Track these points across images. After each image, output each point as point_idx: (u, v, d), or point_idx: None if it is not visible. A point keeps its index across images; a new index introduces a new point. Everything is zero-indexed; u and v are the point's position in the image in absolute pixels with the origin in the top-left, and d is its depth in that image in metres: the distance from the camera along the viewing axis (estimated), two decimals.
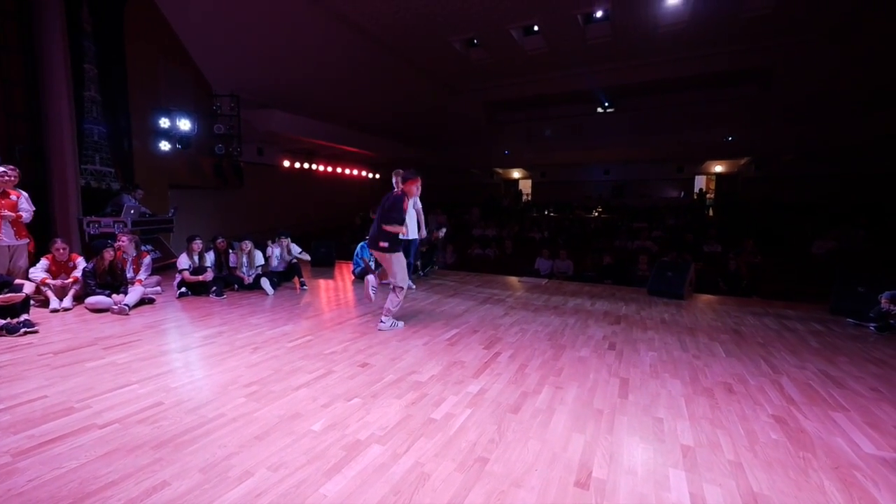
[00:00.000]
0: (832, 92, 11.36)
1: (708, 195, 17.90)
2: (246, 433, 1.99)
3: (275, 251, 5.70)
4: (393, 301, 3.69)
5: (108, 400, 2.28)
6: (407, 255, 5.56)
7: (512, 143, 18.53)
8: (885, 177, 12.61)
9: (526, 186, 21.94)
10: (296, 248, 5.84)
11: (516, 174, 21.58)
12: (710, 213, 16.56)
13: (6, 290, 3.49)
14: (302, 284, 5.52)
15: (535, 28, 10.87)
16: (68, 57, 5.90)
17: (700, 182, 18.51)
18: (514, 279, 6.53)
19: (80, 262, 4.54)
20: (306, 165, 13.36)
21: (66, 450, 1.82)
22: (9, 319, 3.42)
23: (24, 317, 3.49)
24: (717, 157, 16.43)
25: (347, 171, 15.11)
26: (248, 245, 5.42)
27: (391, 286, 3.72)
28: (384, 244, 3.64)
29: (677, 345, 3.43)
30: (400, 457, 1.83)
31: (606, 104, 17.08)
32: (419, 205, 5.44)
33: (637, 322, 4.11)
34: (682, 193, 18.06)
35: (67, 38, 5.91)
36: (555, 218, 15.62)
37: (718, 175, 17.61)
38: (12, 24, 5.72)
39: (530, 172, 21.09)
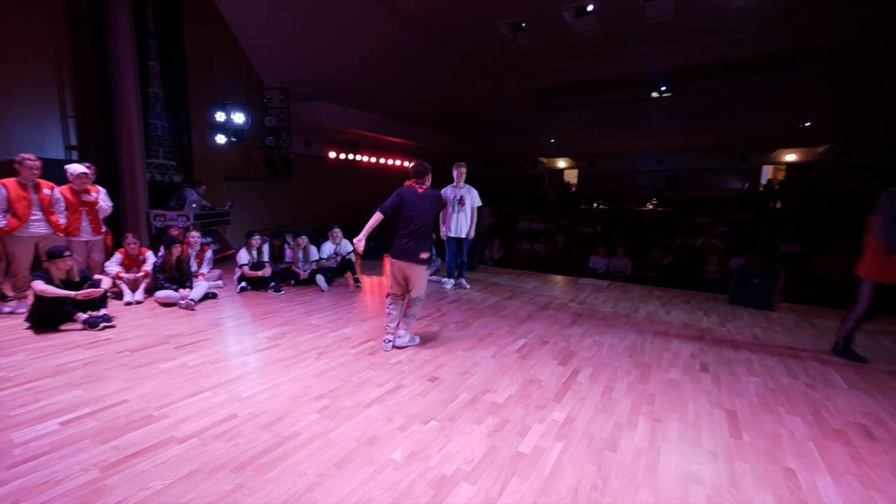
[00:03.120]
0: None
1: (776, 186, 16.38)
2: (325, 458, 1.86)
3: (328, 247, 5.67)
4: (416, 315, 3.26)
5: (183, 409, 2.24)
6: (460, 253, 5.36)
7: (558, 131, 17.75)
8: None
9: (571, 176, 21.06)
10: (347, 245, 5.79)
11: (562, 164, 20.75)
12: (778, 205, 15.17)
13: (87, 285, 3.62)
14: (356, 281, 5.47)
15: (590, 8, 10.17)
16: (136, 56, 6.07)
17: (767, 172, 16.96)
18: (572, 279, 6.17)
19: (150, 257, 4.69)
20: (350, 156, 13.42)
21: (150, 466, 1.77)
22: (90, 313, 3.54)
23: (102, 311, 3.61)
24: (791, 144, 14.91)
25: (391, 162, 15.06)
26: (304, 241, 5.41)
27: (412, 298, 3.20)
28: (425, 255, 3.12)
29: (782, 369, 3.01)
30: (495, 501, 1.63)
31: (663, 88, 15.90)
32: (477, 201, 5.20)
33: (725, 338, 3.69)
34: (747, 184, 16.63)
35: (135, 37, 6.08)
36: (605, 211, 14.86)
37: (790, 165, 16.03)
38: (87, 25, 5.95)
39: (576, 162, 20.20)
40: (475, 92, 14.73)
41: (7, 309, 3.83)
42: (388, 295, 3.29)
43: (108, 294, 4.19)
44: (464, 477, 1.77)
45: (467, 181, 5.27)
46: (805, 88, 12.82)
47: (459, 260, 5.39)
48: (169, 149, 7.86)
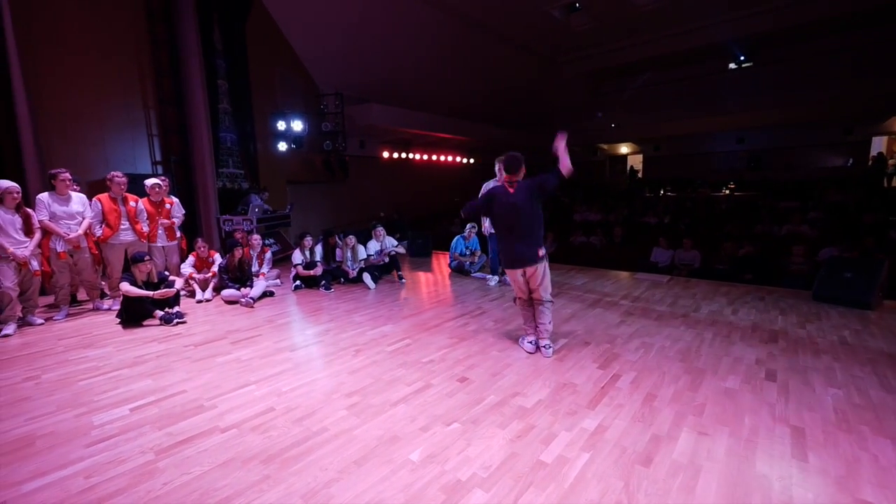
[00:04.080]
0: None
1: (891, 161, 13.92)
2: (346, 455, 1.93)
3: (375, 245, 5.86)
4: (549, 318, 3.02)
5: (230, 400, 2.45)
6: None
7: (619, 115, 16.67)
8: None
9: (635, 162, 19.68)
10: (391, 241, 5.94)
11: (624, 149, 19.49)
12: (894, 183, 12.90)
13: (162, 286, 4.09)
14: (400, 278, 5.60)
15: None
16: (204, 76, 6.70)
17: (879, 144, 14.47)
18: (627, 275, 5.78)
19: (217, 258, 5.18)
20: (404, 155, 13.71)
21: (194, 453, 1.96)
22: (166, 310, 4.00)
23: (176, 308, 4.07)
24: None
25: (443, 158, 15.16)
26: (352, 240, 5.64)
27: (543, 301, 3.00)
28: (542, 251, 2.91)
29: (874, 380, 2.56)
30: None
31: (742, 58, 14.21)
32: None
33: (803, 341, 3.23)
34: (851, 161, 14.35)
35: (203, 59, 6.70)
36: (673, 198, 13.69)
37: None
38: (165, 50, 6.68)
39: (641, 146, 18.83)
40: (528, 80, 14.30)
41: (105, 306, 4.46)
42: (514, 300, 3.22)
43: (183, 293, 4.71)
44: (478, 483, 1.73)
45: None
46: None
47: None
48: (237, 158, 8.59)
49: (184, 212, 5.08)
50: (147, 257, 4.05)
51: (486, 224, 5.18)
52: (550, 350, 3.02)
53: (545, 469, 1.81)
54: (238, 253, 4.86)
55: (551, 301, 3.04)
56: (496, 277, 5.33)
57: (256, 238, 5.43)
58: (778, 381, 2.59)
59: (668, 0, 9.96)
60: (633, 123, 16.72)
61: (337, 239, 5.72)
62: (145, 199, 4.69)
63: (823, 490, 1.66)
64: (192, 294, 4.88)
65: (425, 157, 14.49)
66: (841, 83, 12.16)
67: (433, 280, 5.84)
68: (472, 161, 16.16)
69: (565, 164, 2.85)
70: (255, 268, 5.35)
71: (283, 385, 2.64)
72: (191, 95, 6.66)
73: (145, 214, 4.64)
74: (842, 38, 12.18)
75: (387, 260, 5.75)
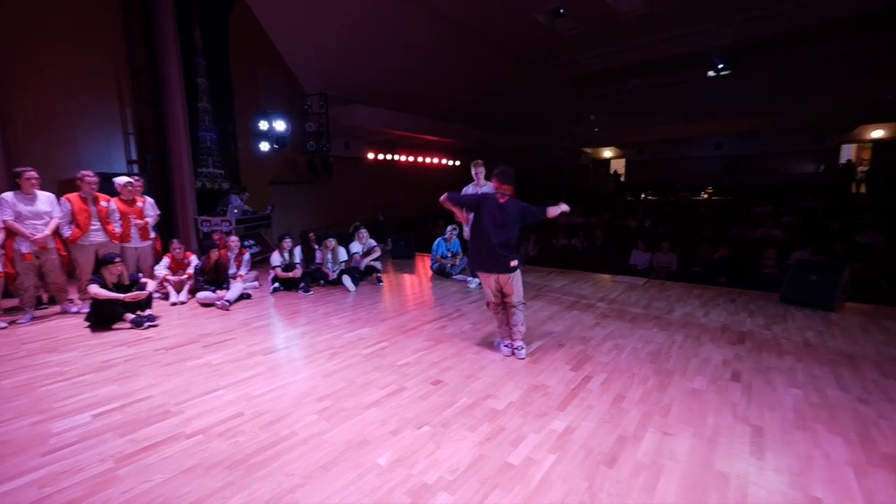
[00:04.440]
0: None
1: (859, 168, 14.46)
2: (313, 460, 1.91)
3: (356, 246, 5.83)
4: (522, 320, 3.07)
5: (198, 405, 2.40)
6: None
7: (603, 119, 16.93)
8: None
9: (619, 166, 20.01)
10: (370, 242, 5.91)
11: (607, 153, 19.80)
12: (862, 189, 13.40)
13: (134, 288, 3.99)
14: (378, 280, 5.58)
15: None
16: (183, 74, 6.58)
17: (848, 152, 15.03)
18: (606, 277, 5.87)
19: (193, 260, 5.08)
20: (389, 157, 13.68)
21: (157, 460, 1.92)
22: (137, 313, 3.91)
23: (148, 311, 3.98)
24: (877, 119, 13.12)
25: (429, 160, 15.17)
26: (332, 242, 5.61)
27: (515, 305, 3.05)
28: (515, 262, 2.97)
29: (832, 380, 2.66)
30: None
31: (720, 66, 14.56)
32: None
33: (768, 342, 3.33)
34: (823, 167, 14.86)
35: (181, 57, 6.58)
36: (654, 202, 13.96)
37: (877, 142, 14.10)
38: (142, 48, 6.54)
39: (623, 150, 19.15)
40: (514, 84, 14.40)
41: (74, 309, 4.33)
42: (487, 304, 3.22)
43: (157, 295, 4.61)
44: (445, 486, 1.74)
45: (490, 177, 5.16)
46: (892, 54, 11.18)
47: None
48: (218, 158, 8.45)
49: (158, 212, 4.97)
50: (118, 259, 3.95)
51: (466, 228, 5.19)
52: (524, 351, 3.05)
53: (512, 471, 1.83)
54: (214, 254, 4.78)
55: (524, 303, 3.09)
56: (477, 280, 5.35)
57: (234, 239, 5.35)
58: (742, 381, 2.67)
59: (650, 9, 10.18)
60: (616, 128, 17.01)
61: (313, 243, 5.65)
62: (117, 198, 4.57)
63: (777, 488, 1.72)
64: (166, 296, 4.77)
65: (411, 158, 14.50)
66: (813, 92, 12.59)
67: (414, 282, 5.84)
68: (457, 163, 16.22)
69: (553, 212, 3.03)
70: (232, 270, 5.27)
71: (254, 389, 2.60)
72: (169, 94, 6.54)
73: (117, 215, 4.53)
74: (814, 50, 12.60)
75: (362, 268, 5.70)
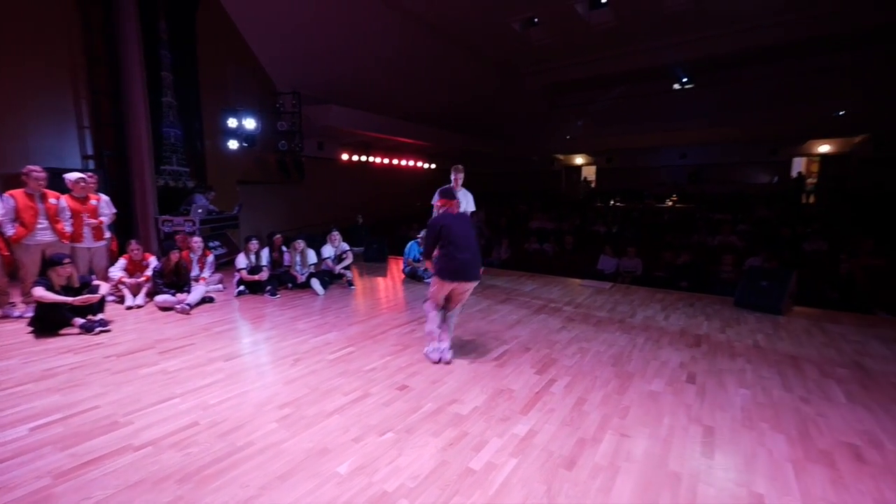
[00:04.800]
0: None
1: (809, 180, 15.45)
2: (271, 470, 1.86)
3: (329, 250, 5.73)
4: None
5: (149, 415, 2.29)
6: None
7: (575, 128, 17.39)
8: None
9: (590, 173, 20.58)
10: (343, 246, 5.84)
11: (579, 160, 20.31)
12: (811, 199, 14.31)
13: (85, 291, 3.77)
14: (349, 283, 5.50)
15: (604, 0, 9.88)
16: (144, 66, 6.30)
17: (799, 164, 16.03)
18: (574, 282, 6.01)
19: (152, 262, 4.85)
20: (363, 158, 13.54)
21: (100, 475, 1.81)
22: (88, 318, 3.69)
23: (100, 316, 3.76)
24: (824, 135, 14.06)
25: (404, 163, 15.11)
26: (300, 244, 5.49)
27: (454, 311, 3.18)
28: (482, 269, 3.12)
29: (777, 381, 2.81)
30: None
31: (685, 80, 15.26)
32: (472, 206, 5.12)
33: (722, 345, 3.49)
34: (776, 178, 15.78)
35: (143, 48, 6.30)
36: (622, 208, 14.42)
37: (824, 156, 15.11)
38: (100, 38, 6.22)
39: (594, 158, 19.71)
40: (489, 90, 14.59)
41: (16, 313, 4.05)
42: (428, 303, 3.18)
43: (111, 298, 4.38)
44: (405, 494, 1.72)
45: (478, 181, 5.21)
46: (839, 75, 12.06)
47: None
48: (182, 155, 8.12)
49: (114, 210, 4.73)
50: (67, 259, 3.73)
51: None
52: (450, 354, 3.08)
53: (473, 476, 1.84)
54: (175, 256, 4.58)
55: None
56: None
57: (197, 240, 5.15)
58: (697, 382, 2.78)
59: (619, 23, 10.55)
60: (587, 136, 17.48)
61: (280, 245, 5.52)
62: (68, 195, 4.31)
63: (724, 485, 1.80)
64: (121, 300, 4.53)
65: (386, 160, 14.39)
66: (768, 107, 13.36)
67: (386, 286, 5.79)
68: (433, 166, 16.23)
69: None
70: (195, 272, 5.06)
71: (212, 397, 2.50)
72: (129, 86, 6.24)
73: (68, 213, 4.27)
74: (769, 68, 13.41)
75: (336, 272, 5.62)
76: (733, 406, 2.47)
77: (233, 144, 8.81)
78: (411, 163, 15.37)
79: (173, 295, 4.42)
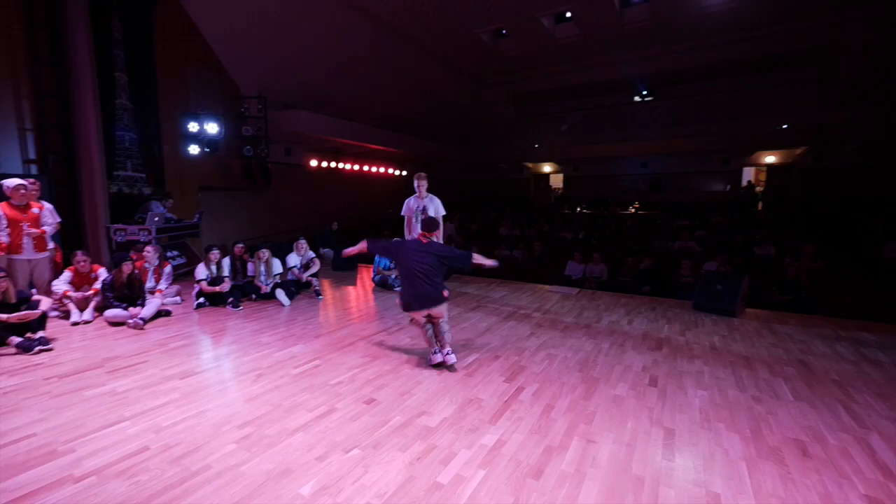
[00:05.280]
0: None
1: (757, 188, 16.52)
2: (228, 495, 1.76)
3: (295, 258, 5.58)
4: (448, 328, 3.23)
5: (94, 442, 2.13)
6: None
7: (543, 136, 17.81)
8: None
9: (557, 181, 21.14)
10: (309, 254, 5.70)
11: (547, 168, 20.80)
12: (760, 206, 15.28)
13: (24, 307, 3.49)
14: (317, 293, 5.37)
15: (568, 15, 10.24)
16: (94, 66, 5.96)
17: (748, 174, 17.12)
18: (543, 288, 6.11)
19: (102, 273, 4.55)
20: (333, 164, 13.34)
21: None
22: (27, 335, 3.41)
23: (40, 334, 3.48)
24: (770, 146, 15.06)
25: (375, 170, 14.99)
26: (265, 254, 5.31)
27: (439, 323, 3.18)
28: (447, 293, 3.13)
29: (732, 381, 2.95)
30: None
31: (644, 93, 16.02)
32: (441, 210, 5.13)
33: (682, 348, 3.63)
34: (729, 186, 16.77)
35: (94, 47, 5.97)
36: (588, 215, 14.88)
37: (770, 166, 16.19)
38: (44, 35, 5.84)
39: (562, 166, 20.27)
40: (459, 98, 14.74)
41: None
42: (413, 323, 3.38)
43: (54, 314, 4.08)
44: None
45: (450, 189, 5.23)
46: (782, 91, 12.97)
47: None
48: (138, 160, 7.74)
49: (59, 219, 4.42)
50: (2, 273, 3.43)
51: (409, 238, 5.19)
52: (454, 356, 3.12)
53: (440, 491, 1.81)
54: (127, 267, 4.31)
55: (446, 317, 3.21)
56: None
57: (150, 250, 4.87)
58: (658, 385, 2.88)
59: (583, 36, 10.95)
60: (555, 144, 17.96)
61: (242, 254, 5.32)
62: (5, 203, 3.99)
63: (683, 486, 1.86)
64: (66, 315, 4.22)
65: (356, 167, 14.23)
66: (720, 120, 14.19)
67: (355, 295, 5.68)
68: (404, 173, 16.19)
69: (478, 260, 3.26)
70: (150, 284, 4.79)
71: (165, 419, 2.36)
72: (77, 86, 5.88)
73: (5, 222, 3.96)
74: (721, 83, 14.29)
75: (303, 281, 5.48)
76: (692, 407, 2.57)
77: (194, 149, 8.45)
78: (382, 169, 15.27)
79: (125, 309, 4.16)
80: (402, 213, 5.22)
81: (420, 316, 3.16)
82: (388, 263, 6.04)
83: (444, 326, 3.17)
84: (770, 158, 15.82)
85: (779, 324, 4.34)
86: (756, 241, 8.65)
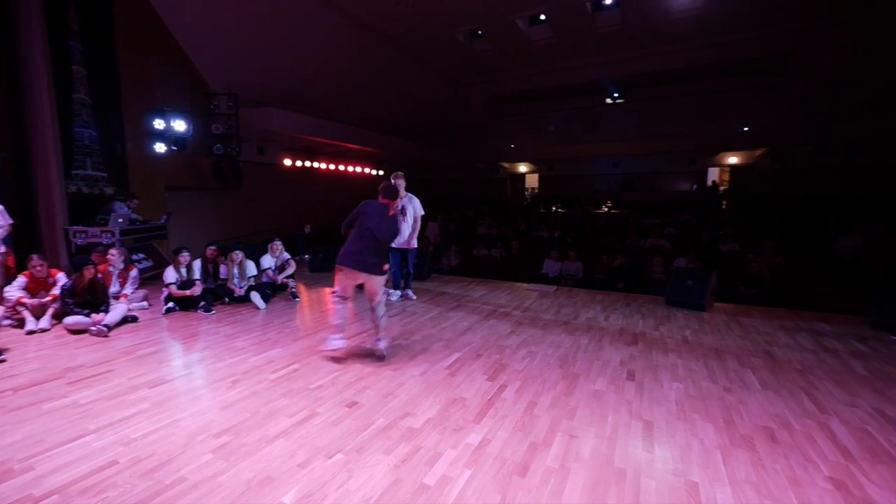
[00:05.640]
0: (853, 80, 10.72)
1: (721, 187, 17.28)
2: None
3: (269, 260, 5.42)
4: (385, 311, 3.32)
5: (56, 458, 2.00)
6: (406, 264, 5.25)
7: (518, 137, 18.02)
8: None
9: (533, 181, 21.46)
10: (284, 255, 5.57)
11: (523, 168, 21.09)
12: (724, 205, 15.99)
13: None
14: (293, 296, 5.24)
15: (542, 17, 10.40)
16: (49, 58, 5.61)
17: (713, 174, 17.89)
18: (521, 286, 6.18)
19: (61, 278, 4.29)
20: (308, 164, 13.07)
21: None
22: None
23: None
24: (732, 148, 15.80)
25: (351, 169, 14.78)
26: (238, 256, 5.14)
27: (376, 305, 3.26)
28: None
29: (704, 373, 3.07)
30: None
31: (616, 95, 16.46)
32: (420, 210, 5.10)
33: (656, 341, 3.75)
34: (695, 186, 17.47)
35: (48, 38, 5.61)
36: (562, 214, 15.16)
37: (733, 167, 16.98)
38: None
39: (537, 166, 20.59)
40: (435, 98, 14.71)
41: None
42: (334, 294, 3.31)
43: (6, 322, 3.82)
44: None
45: (427, 189, 5.18)
46: (743, 96, 13.60)
47: (405, 270, 5.27)
48: (99, 159, 7.36)
49: (11, 221, 4.15)
50: None
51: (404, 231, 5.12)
52: (382, 344, 3.25)
53: (427, 493, 1.80)
54: (88, 272, 4.08)
55: (383, 300, 3.28)
56: (398, 292, 5.29)
57: (115, 253, 4.63)
58: (636, 379, 2.96)
59: (557, 39, 11.14)
60: (530, 145, 18.21)
61: (214, 257, 5.14)
62: None
63: (663, 477, 1.91)
64: (21, 324, 3.95)
65: (331, 166, 13.99)
66: (687, 122, 14.76)
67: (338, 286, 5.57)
68: (380, 173, 16.03)
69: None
70: (114, 288, 4.56)
71: (134, 431, 2.24)
72: (30, 79, 5.51)
73: None
74: (688, 86, 14.86)
75: (278, 283, 5.34)
76: (668, 400, 2.65)
77: (160, 148, 8.10)
78: (358, 169, 15.08)
79: (87, 316, 3.93)
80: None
81: (350, 286, 3.21)
82: None
83: (381, 310, 3.25)
84: (733, 159, 16.59)
85: (745, 317, 4.55)
86: (721, 238, 9.04)
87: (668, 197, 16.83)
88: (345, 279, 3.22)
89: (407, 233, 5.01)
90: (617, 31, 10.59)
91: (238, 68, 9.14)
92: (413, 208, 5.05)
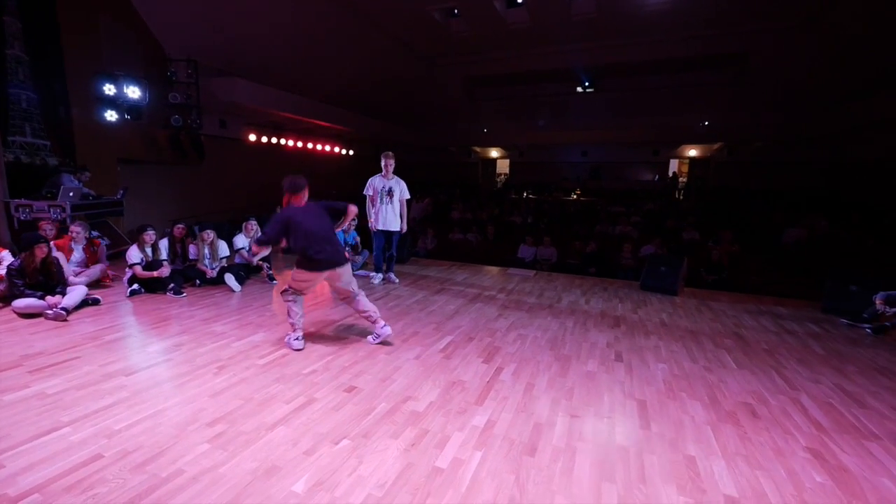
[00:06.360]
0: (805, 80, 11.48)
1: (681, 179, 18.16)
2: (212, 500, 1.60)
3: (243, 240, 5.14)
4: (367, 303, 3.19)
5: (28, 454, 1.82)
6: (389, 247, 5.15)
7: (491, 121, 17.99)
8: (854, 166, 13.05)
9: (504, 166, 21.58)
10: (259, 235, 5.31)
11: (494, 153, 21.14)
12: (680, 196, 16.83)
13: None
14: (270, 278, 5.02)
15: (519, 0, 10.31)
16: None
17: (674, 165, 18.72)
18: (501, 270, 6.24)
19: (6, 257, 3.87)
20: (274, 140, 12.41)
21: None
22: None
23: None
24: (692, 141, 16.57)
25: (320, 147, 14.20)
26: (210, 235, 4.83)
27: (355, 294, 3.15)
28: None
29: (685, 354, 3.25)
30: None
31: (587, 84, 16.71)
32: (406, 194, 4.99)
33: (637, 324, 3.92)
34: (657, 177, 18.23)
35: None
36: (534, 200, 15.40)
37: (692, 159, 17.84)
38: None
39: (508, 152, 20.70)
40: (409, 77, 14.32)
41: None
42: (288, 292, 3.10)
43: None
44: None
45: (398, 170, 5.05)
46: (704, 91, 14.22)
47: (388, 254, 5.17)
48: (40, 125, 6.65)
49: None
50: None
51: (372, 221, 5.00)
52: (388, 327, 3.16)
53: (441, 476, 1.79)
54: (41, 251, 3.69)
55: (360, 291, 3.18)
56: (380, 275, 5.19)
57: (76, 228, 4.21)
58: (624, 360, 3.08)
59: (533, 23, 11.09)
60: (502, 130, 18.24)
61: (193, 229, 4.82)
62: None
63: (663, 452, 2.01)
64: None
65: (299, 144, 13.36)
66: (651, 113, 15.29)
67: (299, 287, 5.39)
68: (350, 152, 15.53)
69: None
70: (74, 267, 4.16)
71: (115, 422, 2.08)
72: None
73: None
74: (653, 79, 15.33)
75: (254, 264, 5.08)
76: (657, 380, 2.78)
77: (111, 116, 7.40)
78: (328, 147, 14.50)
79: (41, 298, 3.57)
80: (366, 193, 4.99)
81: (308, 287, 3.08)
82: (352, 239, 5.74)
83: (364, 303, 3.14)
84: (693, 152, 17.42)
85: (713, 301, 4.84)
86: (683, 227, 9.53)
87: (633, 186, 17.49)
88: (311, 283, 3.09)
89: (394, 216, 4.89)
90: (591, 20, 10.68)
91: (197, 32, 8.44)
92: (399, 191, 4.93)
